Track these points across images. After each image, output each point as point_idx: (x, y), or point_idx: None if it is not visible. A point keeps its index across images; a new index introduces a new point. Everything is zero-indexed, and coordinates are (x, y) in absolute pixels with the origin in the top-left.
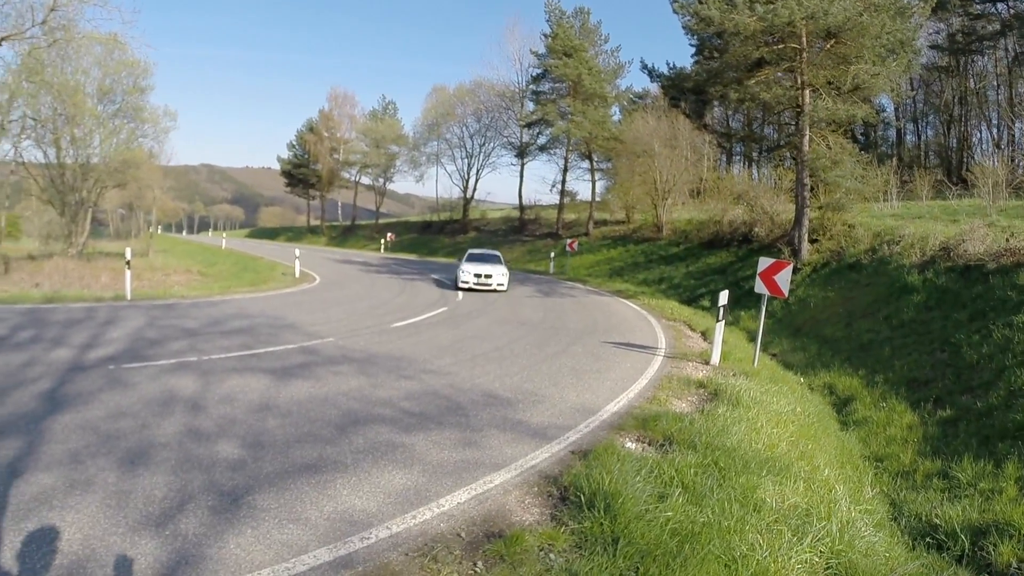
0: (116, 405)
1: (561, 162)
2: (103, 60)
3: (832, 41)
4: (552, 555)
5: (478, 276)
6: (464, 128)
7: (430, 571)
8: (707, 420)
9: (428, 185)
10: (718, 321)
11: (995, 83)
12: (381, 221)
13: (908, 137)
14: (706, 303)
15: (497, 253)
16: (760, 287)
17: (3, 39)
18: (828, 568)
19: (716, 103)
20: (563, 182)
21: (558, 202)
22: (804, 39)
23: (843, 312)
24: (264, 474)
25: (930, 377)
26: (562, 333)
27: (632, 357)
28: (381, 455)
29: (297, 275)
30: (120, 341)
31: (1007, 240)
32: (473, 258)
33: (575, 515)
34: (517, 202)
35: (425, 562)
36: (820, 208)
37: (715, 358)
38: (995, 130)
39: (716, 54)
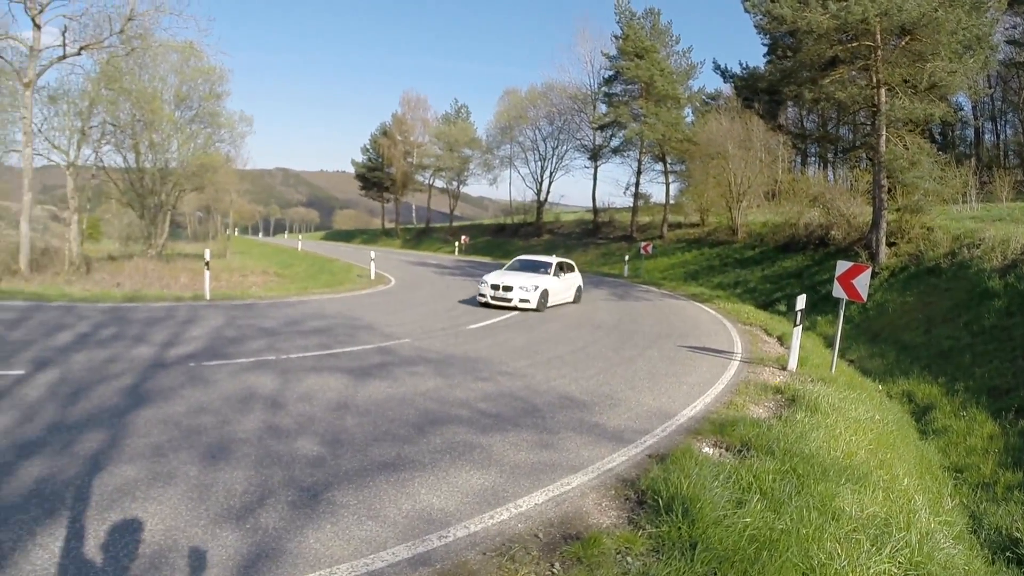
0: (197, 401)
1: (635, 164)
2: (179, 67)
3: (907, 38)
4: (629, 558)
5: (496, 288)
6: (537, 131)
7: (508, 571)
8: (785, 426)
9: (502, 188)
10: (795, 326)
11: None
12: (455, 224)
13: (987, 136)
14: (782, 307)
15: (551, 261)
16: (838, 291)
17: (83, 48)
18: None
19: (790, 103)
20: (637, 184)
21: (632, 205)
22: (878, 36)
23: (922, 318)
24: (343, 471)
25: (1012, 385)
26: (637, 337)
27: (708, 361)
28: (459, 455)
29: (372, 277)
30: (200, 339)
31: None
32: (516, 266)
33: (652, 519)
34: (591, 205)
35: (503, 562)
36: (898, 210)
37: (792, 363)
38: None
39: (789, 53)
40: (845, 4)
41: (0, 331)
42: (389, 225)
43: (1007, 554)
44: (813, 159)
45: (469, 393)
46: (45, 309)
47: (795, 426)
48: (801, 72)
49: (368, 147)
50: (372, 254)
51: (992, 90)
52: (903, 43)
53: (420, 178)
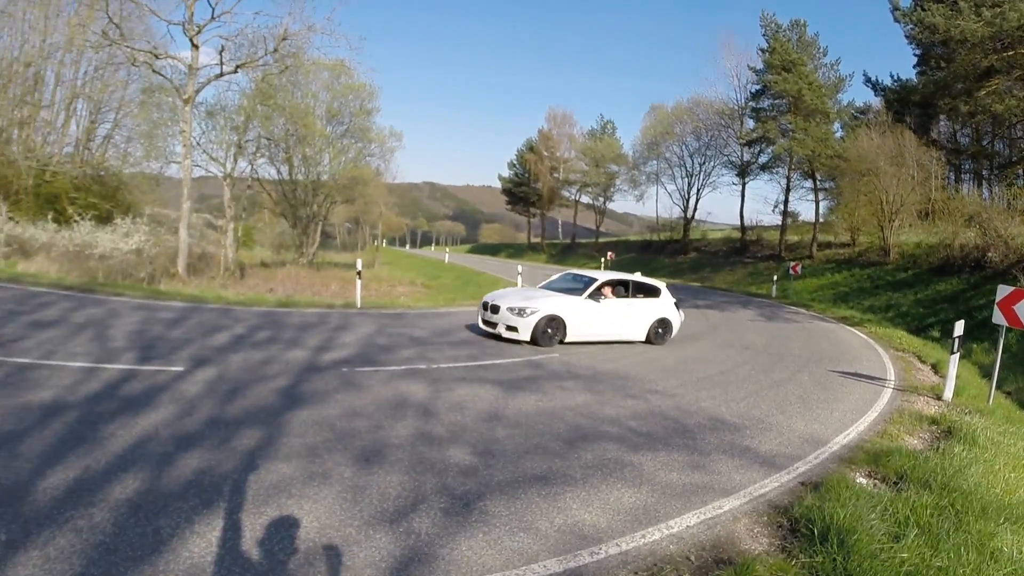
0: (351, 405)
1: (783, 181)
2: (331, 84)
3: None
4: None
5: (485, 308)
6: (683, 147)
7: None
8: (942, 459)
9: (647, 204)
10: (952, 354)
11: None
12: (600, 240)
13: None
14: (935, 333)
15: (597, 277)
16: (998, 317)
17: (239, 67)
18: None
19: (943, 116)
20: (785, 202)
21: (780, 223)
22: None
23: None
24: (495, 482)
25: None
26: (787, 359)
27: (860, 388)
28: (610, 472)
29: None
30: (352, 346)
31: None
32: (557, 283)
33: (806, 548)
34: (738, 222)
35: None
36: None
37: (948, 393)
38: None
39: (942, 64)
40: (1000, 11)
41: (161, 329)
42: (535, 240)
43: None
44: (967, 176)
45: (619, 410)
46: (202, 311)
47: (952, 459)
48: (955, 84)
49: (515, 162)
50: (519, 268)
51: None
52: None
53: (566, 193)
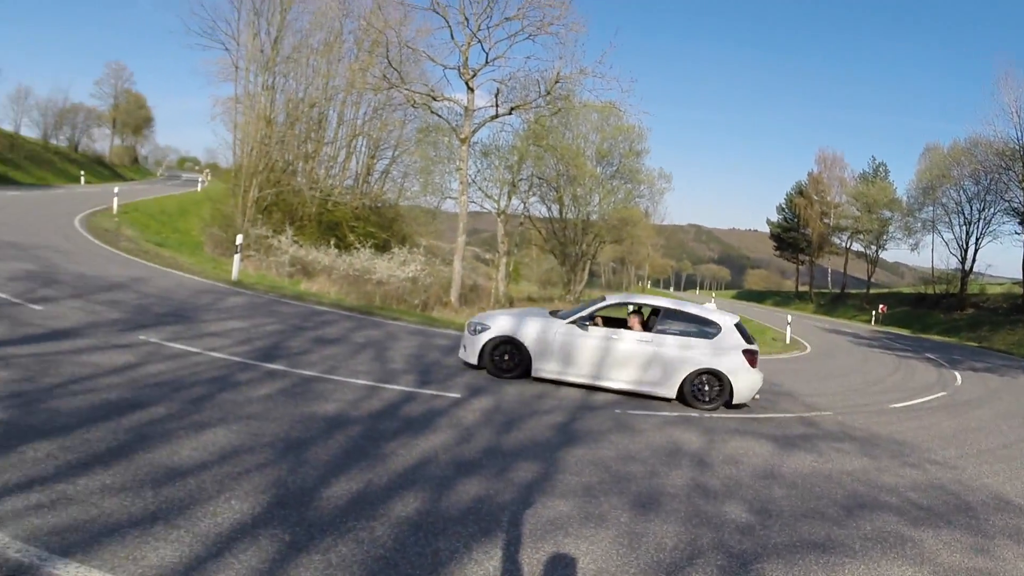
0: (625, 448)
1: None
2: (600, 126)
3: None
4: None
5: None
6: (961, 192)
7: None
8: None
9: (922, 254)
10: None
11: None
12: (872, 291)
13: None
14: None
15: (632, 300)
16: None
17: (513, 108)
18: None
19: None
20: None
21: None
22: None
23: None
24: (772, 544)
25: None
26: None
27: None
28: (889, 547)
29: (787, 341)
30: None
31: None
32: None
33: None
34: (1020, 276)
35: None
36: None
37: None
38: None
39: None
40: None
41: (437, 355)
42: (802, 288)
43: None
44: None
45: (897, 479)
46: None
47: None
48: None
49: (783, 206)
50: (788, 318)
51: None
52: None
53: (836, 240)
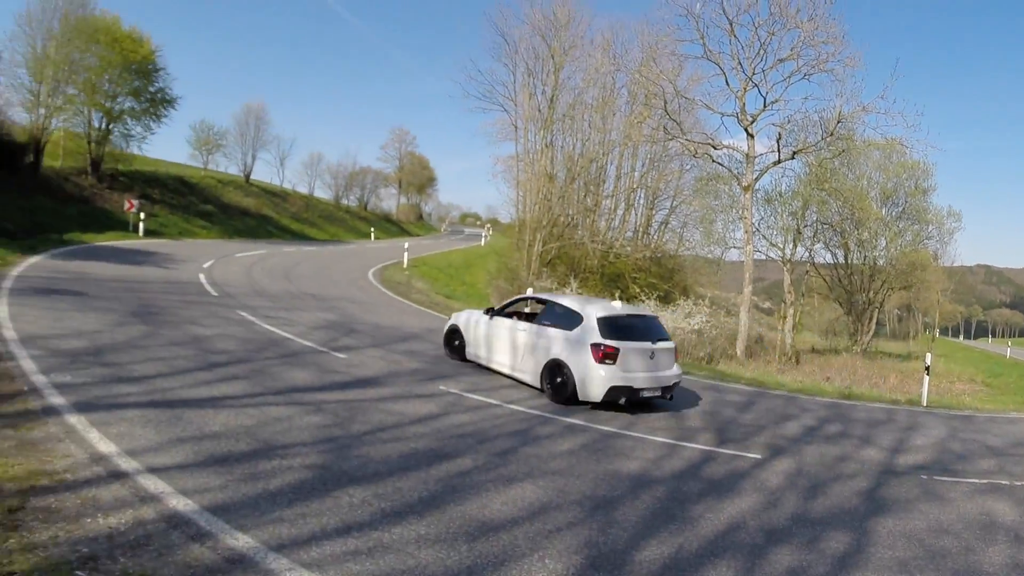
0: (935, 519)
1: None
2: (883, 164)
3: None
4: None
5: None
6: None
7: None
8: None
9: None
10: None
11: None
12: None
13: None
14: None
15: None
16: None
17: (796, 152)
18: None
19: None
20: None
21: None
22: None
23: None
24: None
25: None
26: None
27: None
28: None
29: None
30: (925, 450)
31: None
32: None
33: None
34: None
35: None
36: None
37: None
38: None
39: None
40: None
41: (732, 412)
42: None
43: None
44: None
45: None
46: (767, 396)
47: None
48: None
49: None
50: None
51: None
52: None
53: None
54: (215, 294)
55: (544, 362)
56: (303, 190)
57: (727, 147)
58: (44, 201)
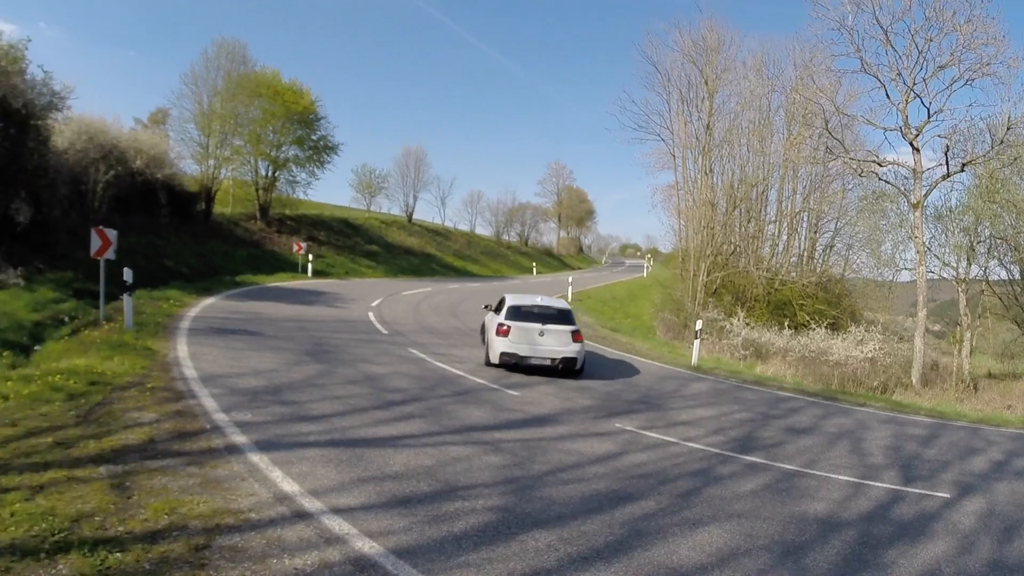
0: None
1: None
2: None
3: None
4: None
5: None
6: None
7: None
8: None
9: None
10: None
11: None
12: None
13: None
14: None
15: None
16: None
17: (965, 164)
18: None
19: None
20: None
21: None
22: None
23: None
24: None
25: None
26: None
27: None
28: None
29: None
30: None
31: None
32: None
33: None
34: None
35: None
36: None
37: None
38: None
39: None
40: None
41: (914, 447)
42: None
43: None
44: None
45: None
46: (949, 428)
47: None
48: None
49: None
50: None
51: None
52: None
53: None
54: (385, 332)
55: (483, 337)
56: (464, 227)
57: (892, 163)
58: (216, 246)
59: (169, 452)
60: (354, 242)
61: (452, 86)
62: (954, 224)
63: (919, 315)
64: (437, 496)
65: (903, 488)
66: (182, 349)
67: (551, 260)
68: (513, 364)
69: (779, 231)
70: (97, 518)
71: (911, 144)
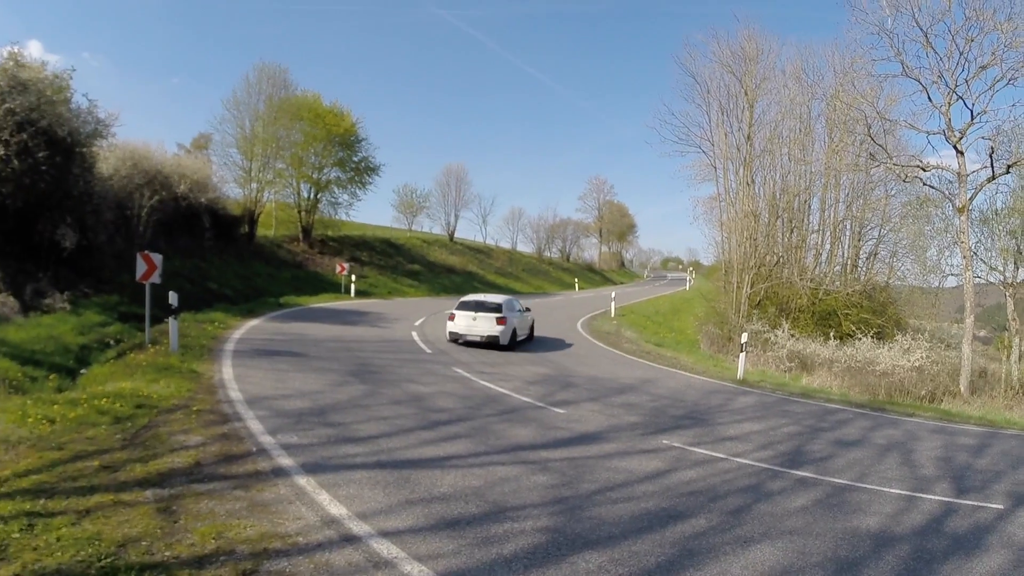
0: None
1: None
2: None
3: None
4: None
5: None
6: None
7: None
8: None
9: None
10: None
11: None
12: None
13: None
14: None
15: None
16: None
17: (1011, 166)
18: None
19: None
20: None
21: None
22: None
23: None
24: None
25: None
26: None
27: None
28: None
29: None
30: None
31: None
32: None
33: None
34: None
35: None
36: None
37: None
38: None
39: None
40: None
41: (965, 457)
42: None
43: None
44: None
45: None
46: (999, 437)
47: None
48: None
49: None
50: None
51: None
52: None
53: None
54: (429, 351)
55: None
56: (506, 245)
57: (936, 167)
58: (260, 267)
59: (215, 475)
60: (396, 262)
61: (492, 104)
62: (1000, 227)
63: (966, 321)
64: (486, 518)
65: (956, 500)
66: (227, 371)
67: (593, 275)
68: (455, 340)
69: (822, 240)
70: (144, 543)
71: (955, 147)
